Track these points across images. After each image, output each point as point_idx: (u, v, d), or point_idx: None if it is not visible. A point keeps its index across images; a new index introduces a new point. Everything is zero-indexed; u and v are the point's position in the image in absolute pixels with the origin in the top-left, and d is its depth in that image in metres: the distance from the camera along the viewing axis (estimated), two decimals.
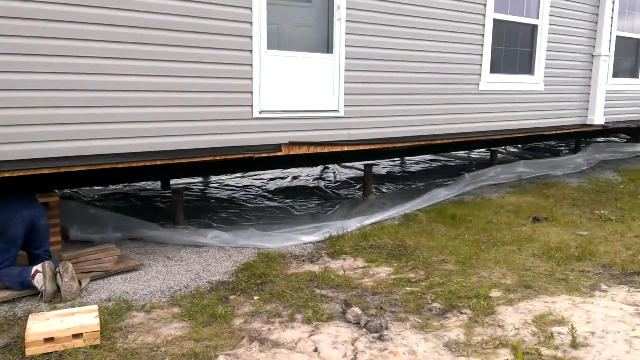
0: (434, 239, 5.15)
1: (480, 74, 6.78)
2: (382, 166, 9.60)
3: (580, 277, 4.08)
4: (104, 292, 3.82)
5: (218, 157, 4.80)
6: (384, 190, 7.55)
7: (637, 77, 9.35)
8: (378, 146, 6.02)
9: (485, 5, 6.65)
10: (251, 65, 4.88)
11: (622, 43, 8.90)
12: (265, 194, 7.35)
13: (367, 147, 5.90)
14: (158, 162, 4.50)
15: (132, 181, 7.24)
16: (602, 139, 12.09)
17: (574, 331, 3.06)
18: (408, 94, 6.09)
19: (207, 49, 4.60)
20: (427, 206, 6.46)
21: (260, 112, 4.99)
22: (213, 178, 8.22)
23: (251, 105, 4.93)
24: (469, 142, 7.69)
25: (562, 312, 3.43)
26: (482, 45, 6.73)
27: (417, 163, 10.08)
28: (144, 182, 7.65)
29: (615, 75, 8.84)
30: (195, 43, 4.52)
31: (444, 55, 6.36)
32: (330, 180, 8.35)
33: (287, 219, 5.95)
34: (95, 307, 3.32)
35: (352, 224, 5.56)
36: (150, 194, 7.20)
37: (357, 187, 7.78)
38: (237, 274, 4.23)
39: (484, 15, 6.66)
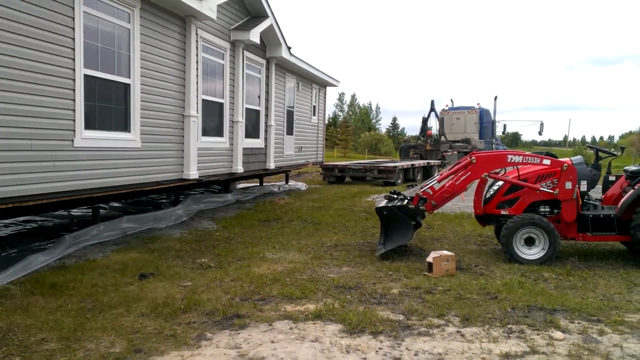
0: (32, 315, 4.49)
1: (74, 130, 6.43)
2: None
3: (188, 330, 4.22)
4: None
5: None
6: None
7: (222, 136, 10.66)
8: None
9: (74, 59, 6.36)
10: None
11: (208, 106, 10.03)
12: None
13: None
14: None
15: None
16: (200, 190, 13.23)
17: None
18: None
19: None
20: (22, 276, 5.66)
21: None
22: None
23: None
24: (69, 201, 7.15)
25: None
26: (74, 100, 6.40)
27: (7, 226, 8.76)
28: None
29: (205, 134, 9.86)
30: None
31: (28, 109, 5.74)
32: None
33: None
34: None
35: None
36: None
37: None
38: None
39: (74, 69, 6.36)
